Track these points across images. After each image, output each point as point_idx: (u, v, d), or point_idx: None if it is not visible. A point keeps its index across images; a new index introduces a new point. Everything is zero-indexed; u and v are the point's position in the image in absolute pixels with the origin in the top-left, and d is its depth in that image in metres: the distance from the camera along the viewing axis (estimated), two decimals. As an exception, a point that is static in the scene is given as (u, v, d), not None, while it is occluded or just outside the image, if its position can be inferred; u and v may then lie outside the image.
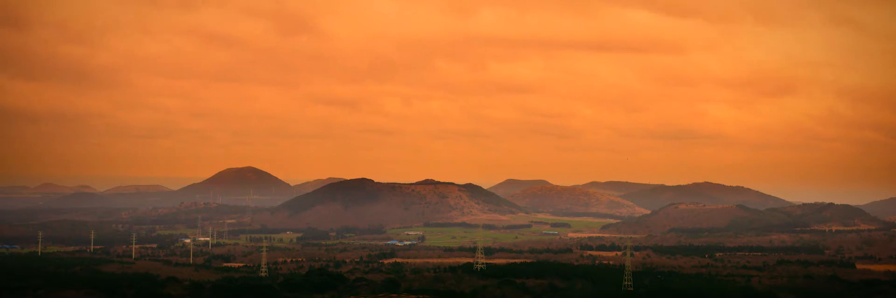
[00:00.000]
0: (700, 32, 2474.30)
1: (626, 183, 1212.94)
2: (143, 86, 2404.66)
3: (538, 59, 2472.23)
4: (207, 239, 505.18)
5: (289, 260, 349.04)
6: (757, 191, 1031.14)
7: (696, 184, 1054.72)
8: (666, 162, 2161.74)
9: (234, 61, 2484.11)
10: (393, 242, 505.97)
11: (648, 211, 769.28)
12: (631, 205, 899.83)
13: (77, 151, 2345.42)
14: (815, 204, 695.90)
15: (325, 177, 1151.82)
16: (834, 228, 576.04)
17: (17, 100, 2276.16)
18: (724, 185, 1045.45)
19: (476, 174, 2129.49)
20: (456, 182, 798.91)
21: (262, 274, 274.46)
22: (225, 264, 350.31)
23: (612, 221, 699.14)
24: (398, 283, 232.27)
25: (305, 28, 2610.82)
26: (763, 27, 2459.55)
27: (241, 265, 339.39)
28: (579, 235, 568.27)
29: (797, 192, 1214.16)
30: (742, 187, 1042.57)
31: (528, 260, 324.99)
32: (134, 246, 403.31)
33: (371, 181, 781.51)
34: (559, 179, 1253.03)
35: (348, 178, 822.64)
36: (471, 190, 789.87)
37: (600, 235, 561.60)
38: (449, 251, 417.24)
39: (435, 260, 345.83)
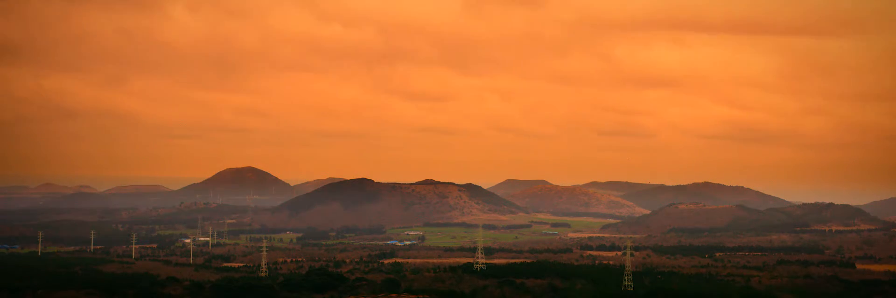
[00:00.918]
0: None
1: (626, 183, 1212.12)
2: (144, 86, 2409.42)
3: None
4: (207, 239, 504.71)
5: (289, 260, 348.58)
6: (757, 191, 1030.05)
7: (695, 184, 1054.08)
8: (667, 162, 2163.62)
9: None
10: (393, 242, 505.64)
11: (648, 211, 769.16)
12: (631, 205, 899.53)
13: (77, 151, 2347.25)
14: (815, 204, 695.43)
15: (325, 177, 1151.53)
16: (834, 228, 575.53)
17: (18, 100, 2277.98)
18: (724, 185, 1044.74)
19: (476, 174, 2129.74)
20: (456, 182, 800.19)
21: (262, 274, 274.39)
22: (225, 264, 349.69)
23: (612, 221, 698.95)
24: (398, 283, 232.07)
25: (305, 28, 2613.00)
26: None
27: (241, 265, 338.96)
28: (579, 235, 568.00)
29: (797, 192, 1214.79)
30: (742, 187, 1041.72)
31: (528, 260, 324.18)
32: (134, 246, 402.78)
33: (371, 181, 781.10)
34: (559, 179, 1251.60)
35: (348, 178, 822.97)
36: (471, 190, 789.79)
37: (600, 235, 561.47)
38: (449, 251, 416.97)
39: (435, 260, 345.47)
